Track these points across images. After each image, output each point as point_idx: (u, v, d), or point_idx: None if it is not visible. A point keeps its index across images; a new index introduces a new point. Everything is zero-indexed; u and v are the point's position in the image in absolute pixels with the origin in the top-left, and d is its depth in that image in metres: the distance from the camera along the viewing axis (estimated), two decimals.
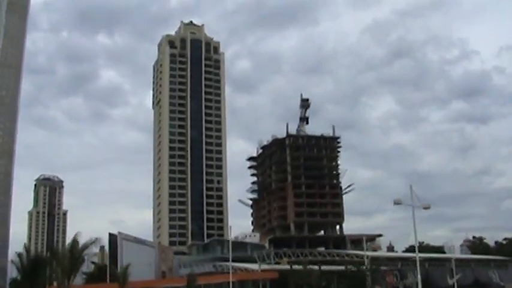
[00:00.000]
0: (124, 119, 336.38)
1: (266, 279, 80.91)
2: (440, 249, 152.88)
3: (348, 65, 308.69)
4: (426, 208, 39.17)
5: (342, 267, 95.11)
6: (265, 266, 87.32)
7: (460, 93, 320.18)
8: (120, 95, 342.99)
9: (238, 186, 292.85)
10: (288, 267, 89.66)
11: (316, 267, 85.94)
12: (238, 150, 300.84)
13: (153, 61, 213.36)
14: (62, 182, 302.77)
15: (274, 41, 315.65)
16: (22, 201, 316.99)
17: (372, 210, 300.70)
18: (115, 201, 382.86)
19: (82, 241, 49.33)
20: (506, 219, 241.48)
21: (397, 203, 37.41)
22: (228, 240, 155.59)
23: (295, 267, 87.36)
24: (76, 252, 47.92)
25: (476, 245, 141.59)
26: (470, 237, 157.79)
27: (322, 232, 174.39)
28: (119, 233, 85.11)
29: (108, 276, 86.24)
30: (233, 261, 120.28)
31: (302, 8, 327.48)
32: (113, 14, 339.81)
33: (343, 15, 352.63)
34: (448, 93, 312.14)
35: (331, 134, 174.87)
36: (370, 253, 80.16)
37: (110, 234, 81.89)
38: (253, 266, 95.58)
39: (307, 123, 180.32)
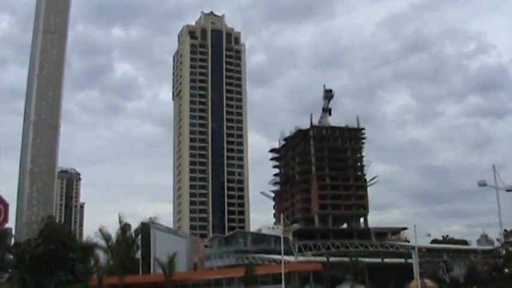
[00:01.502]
0: (139, 112, 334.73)
1: (310, 271, 78.46)
2: (465, 243, 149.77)
3: (363, 59, 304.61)
4: (510, 190, 36.24)
5: (378, 260, 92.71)
6: (301, 258, 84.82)
7: (477, 88, 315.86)
8: (134, 88, 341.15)
9: (254, 178, 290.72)
10: (324, 259, 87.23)
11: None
12: (253, 143, 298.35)
13: (167, 54, 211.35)
14: (79, 174, 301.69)
15: (289, 35, 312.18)
16: None
17: (386, 204, 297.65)
18: (130, 194, 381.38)
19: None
20: None
21: (481, 184, 34.50)
22: (251, 233, 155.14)
23: (333, 259, 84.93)
24: (129, 236, 44.80)
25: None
26: (487, 233, 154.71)
27: (345, 225, 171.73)
28: (152, 222, 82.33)
29: (140, 267, 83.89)
30: (256, 253, 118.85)
31: (317, 1, 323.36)
32: (128, 8, 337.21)
33: (358, 9, 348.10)
34: (464, 87, 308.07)
35: (354, 126, 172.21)
36: (418, 244, 77.32)
37: (142, 224, 78.98)
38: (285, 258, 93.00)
39: (330, 114, 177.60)
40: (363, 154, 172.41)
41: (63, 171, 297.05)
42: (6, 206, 12.57)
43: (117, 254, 44.22)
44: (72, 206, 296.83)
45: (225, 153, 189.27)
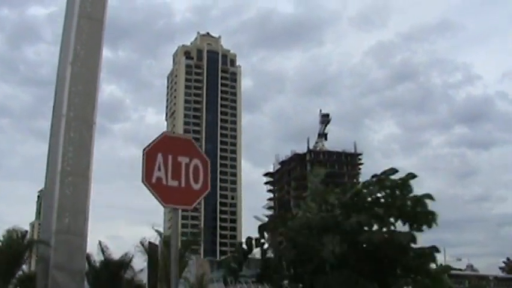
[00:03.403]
0: (125, 134, 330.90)
1: None
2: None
3: (350, 87, 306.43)
4: None
5: None
6: None
7: (463, 118, 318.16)
8: (121, 109, 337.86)
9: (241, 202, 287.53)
10: None
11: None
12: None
13: (155, 76, 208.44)
14: None
15: (278, 61, 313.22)
16: (24, 213, 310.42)
17: None
18: (112, 217, 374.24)
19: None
20: (505, 245, 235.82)
21: None
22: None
23: None
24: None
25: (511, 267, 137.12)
26: (473, 263, 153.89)
27: None
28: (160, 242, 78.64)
29: None
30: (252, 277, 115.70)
31: (307, 28, 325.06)
32: (116, 29, 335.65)
33: (347, 37, 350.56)
34: (450, 117, 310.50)
35: (351, 151, 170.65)
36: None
37: (150, 243, 75.29)
38: None
39: (326, 139, 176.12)
40: (360, 180, 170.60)
41: None
42: (205, 162, 8.63)
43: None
44: None
45: (218, 176, 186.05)
